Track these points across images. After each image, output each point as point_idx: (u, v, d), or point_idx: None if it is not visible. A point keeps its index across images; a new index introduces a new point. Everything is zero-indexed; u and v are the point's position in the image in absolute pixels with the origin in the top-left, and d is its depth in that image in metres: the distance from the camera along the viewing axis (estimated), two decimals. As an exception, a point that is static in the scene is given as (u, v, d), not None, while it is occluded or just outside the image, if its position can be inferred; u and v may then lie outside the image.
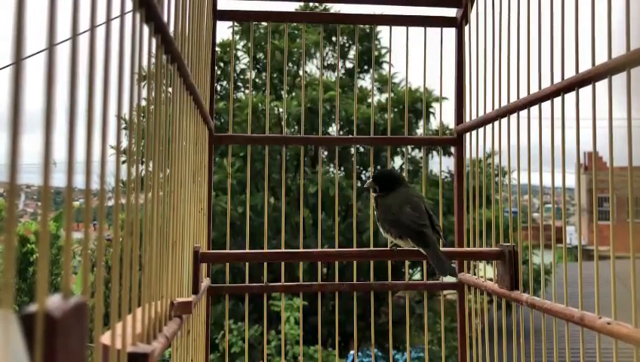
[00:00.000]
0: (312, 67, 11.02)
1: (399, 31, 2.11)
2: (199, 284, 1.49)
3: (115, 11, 0.63)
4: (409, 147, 8.55)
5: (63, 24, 0.49)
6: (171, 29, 1.00)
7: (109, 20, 0.61)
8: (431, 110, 9.32)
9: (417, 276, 9.15)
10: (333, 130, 9.78)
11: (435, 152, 8.42)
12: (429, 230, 1.59)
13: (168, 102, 1.04)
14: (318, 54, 9.77)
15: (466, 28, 2.07)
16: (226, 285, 1.97)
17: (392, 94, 9.42)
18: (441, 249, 1.60)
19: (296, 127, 9.42)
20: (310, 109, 8.62)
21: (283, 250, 1.82)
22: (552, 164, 1.42)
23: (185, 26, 1.19)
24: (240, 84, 10.43)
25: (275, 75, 9.72)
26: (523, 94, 1.59)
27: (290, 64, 9.92)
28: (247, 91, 10.41)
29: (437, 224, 1.62)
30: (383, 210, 1.70)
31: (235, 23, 2.31)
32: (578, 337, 1.29)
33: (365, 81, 10.94)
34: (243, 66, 10.44)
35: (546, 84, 1.46)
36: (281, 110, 9.00)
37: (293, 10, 2.25)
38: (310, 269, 7.67)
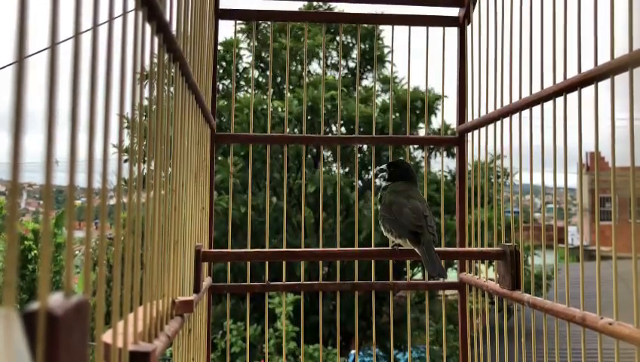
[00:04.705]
0: (316, 67, 11.03)
1: (402, 30, 2.11)
2: (201, 283, 1.49)
3: (118, 10, 0.63)
4: (411, 147, 8.62)
5: (65, 23, 0.49)
6: (173, 28, 1.00)
7: (111, 19, 0.61)
8: (436, 109, 9.30)
9: (419, 276, 9.16)
10: (334, 129, 9.78)
11: (437, 153, 8.41)
12: (425, 231, 1.61)
13: (170, 101, 1.04)
14: (321, 54, 9.77)
15: (469, 27, 2.07)
16: (227, 284, 1.97)
17: (394, 94, 9.41)
18: (435, 249, 1.61)
19: (297, 129, 9.42)
20: (311, 108, 8.62)
21: (284, 249, 1.82)
22: (554, 164, 1.42)
23: (187, 25, 1.19)
24: (243, 83, 10.44)
25: (278, 74, 9.73)
26: (525, 94, 1.59)
27: (294, 63, 9.92)
28: (249, 90, 10.41)
29: (430, 225, 1.63)
30: (384, 208, 1.72)
31: (241, 22, 2.31)
32: (580, 337, 1.29)
33: (368, 80, 10.94)
34: (247, 65, 10.44)
35: (548, 83, 1.46)
36: (281, 110, 9.00)
37: (296, 9, 2.25)
38: (311, 268, 7.68)
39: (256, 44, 9.26)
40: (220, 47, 9.30)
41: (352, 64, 10.64)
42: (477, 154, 1.93)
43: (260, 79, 10.25)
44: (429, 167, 9.54)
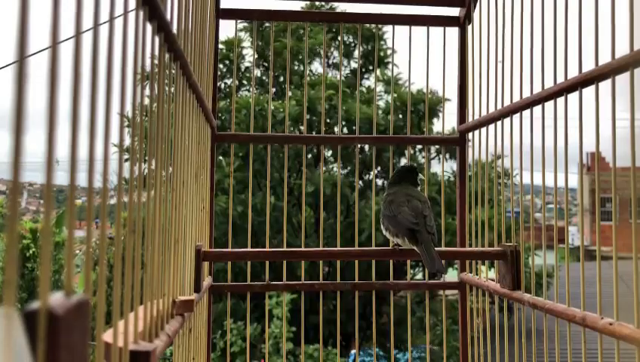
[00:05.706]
0: (317, 66, 11.02)
1: (402, 30, 2.11)
2: (201, 283, 1.49)
3: (118, 10, 0.63)
4: (417, 148, 8.58)
5: (66, 22, 0.49)
6: (174, 27, 1.00)
7: (112, 19, 0.61)
8: (439, 111, 9.27)
9: (419, 276, 9.16)
10: (335, 129, 9.77)
11: (439, 158, 8.40)
12: (422, 230, 1.62)
13: (171, 100, 1.04)
14: (322, 53, 9.77)
15: (469, 27, 2.07)
16: (227, 283, 1.97)
17: (396, 95, 9.39)
18: (435, 248, 1.61)
19: (295, 130, 9.41)
20: (308, 109, 8.62)
21: (285, 248, 1.82)
22: (554, 164, 1.42)
23: (188, 25, 1.19)
24: (245, 82, 10.43)
25: (280, 73, 9.73)
26: (526, 94, 1.59)
27: (296, 62, 9.92)
28: (252, 89, 10.38)
29: (429, 225, 1.64)
30: (384, 206, 1.73)
31: (242, 21, 2.31)
32: (580, 337, 1.29)
33: (370, 81, 10.92)
34: (249, 64, 10.43)
35: (548, 83, 1.46)
36: (282, 110, 8.99)
37: (298, 9, 2.24)
38: (311, 268, 7.68)
39: (259, 43, 9.27)
40: (222, 46, 9.31)
41: (353, 64, 10.63)
42: (477, 154, 1.93)
43: (264, 78, 10.24)
44: (431, 168, 9.52)
